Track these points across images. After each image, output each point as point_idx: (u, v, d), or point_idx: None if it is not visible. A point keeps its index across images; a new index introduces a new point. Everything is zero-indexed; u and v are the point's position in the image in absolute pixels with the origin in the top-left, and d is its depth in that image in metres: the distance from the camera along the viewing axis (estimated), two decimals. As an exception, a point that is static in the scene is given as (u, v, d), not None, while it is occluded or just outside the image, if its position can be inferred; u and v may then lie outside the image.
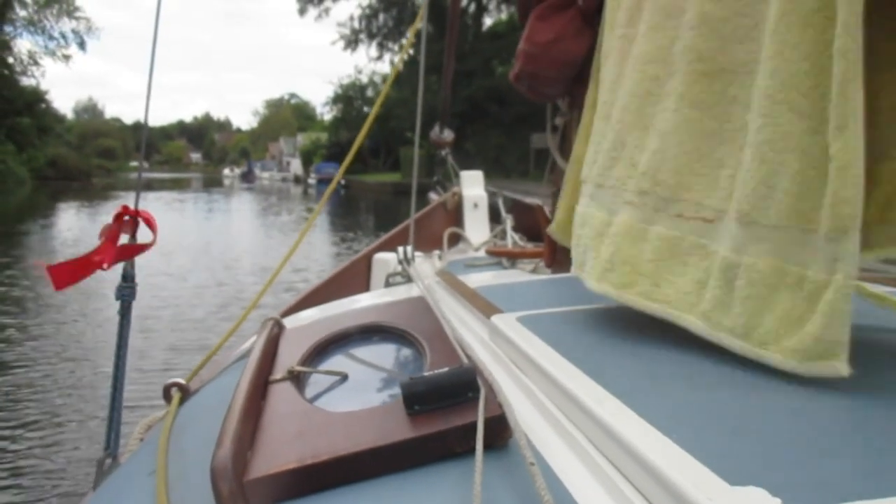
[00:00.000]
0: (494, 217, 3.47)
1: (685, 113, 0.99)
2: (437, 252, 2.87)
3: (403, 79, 46.93)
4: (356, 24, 46.86)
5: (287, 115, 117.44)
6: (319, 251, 15.05)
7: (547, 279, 1.81)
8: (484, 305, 1.33)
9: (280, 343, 1.26)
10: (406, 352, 1.16)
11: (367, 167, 56.66)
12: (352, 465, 0.76)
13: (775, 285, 0.86)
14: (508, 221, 3.02)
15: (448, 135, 3.95)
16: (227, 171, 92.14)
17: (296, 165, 76.18)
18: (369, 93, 58.43)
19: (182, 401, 1.32)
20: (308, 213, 26.25)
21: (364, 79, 59.05)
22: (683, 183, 0.99)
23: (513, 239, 2.89)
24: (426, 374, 0.84)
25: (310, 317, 1.67)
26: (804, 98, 0.82)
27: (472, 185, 3.72)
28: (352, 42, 47.13)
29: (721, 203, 0.95)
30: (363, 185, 48.48)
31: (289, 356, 1.16)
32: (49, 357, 6.76)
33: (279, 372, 1.08)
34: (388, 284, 2.19)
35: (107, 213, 1.78)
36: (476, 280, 1.85)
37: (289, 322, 1.47)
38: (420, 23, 2.06)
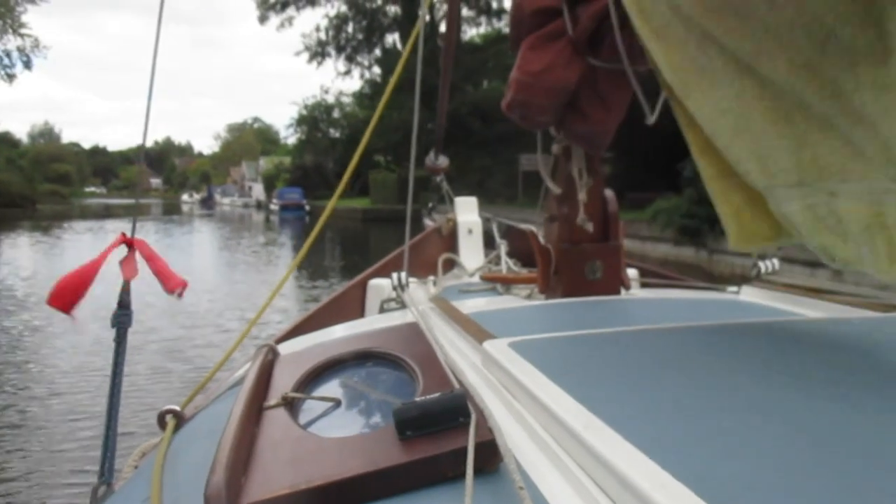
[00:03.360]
0: (489, 243, 3.54)
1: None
2: (431, 278, 2.90)
3: (375, 97, 45.41)
4: (322, 36, 44.25)
5: (250, 139, 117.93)
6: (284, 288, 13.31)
7: (540, 305, 1.92)
8: (476, 331, 1.37)
9: (274, 369, 1.30)
10: (399, 377, 1.19)
11: (334, 192, 54.75)
12: (344, 490, 0.80)
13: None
14: (503, 247, 3.13)
15: (443, 161, 3.95)
16: (185, 197, 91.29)
17: (258, 190, 76.34)
18: (335, 114, 56.80)
19: (177, 427, 1.34)
20: (271, 248, 25.01)
21: (330, 99, 57.31)
22: None
23: (507, 265, 3.00)
24: (418, 399, 0.87)
25: (304, 343, 1.69)
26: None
27: (467, 211, 3.77)
28: (317, 54, 44.33)
29: None
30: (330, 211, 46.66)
31: (283, 382, 1.20)
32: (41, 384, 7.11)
33: (273, 398, 1.12)
34: (382, 310, 2.23)
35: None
36: (470, 306, 1.92)
37: (283, 348, 1.53)
38: (416, 36, 2.12)
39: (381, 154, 46.28)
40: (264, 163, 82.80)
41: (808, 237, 1.20)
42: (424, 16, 2.11)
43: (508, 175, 30.64)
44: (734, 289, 2.09)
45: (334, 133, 57.05)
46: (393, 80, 2.15)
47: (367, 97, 46.40)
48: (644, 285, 2.64)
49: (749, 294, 1.98)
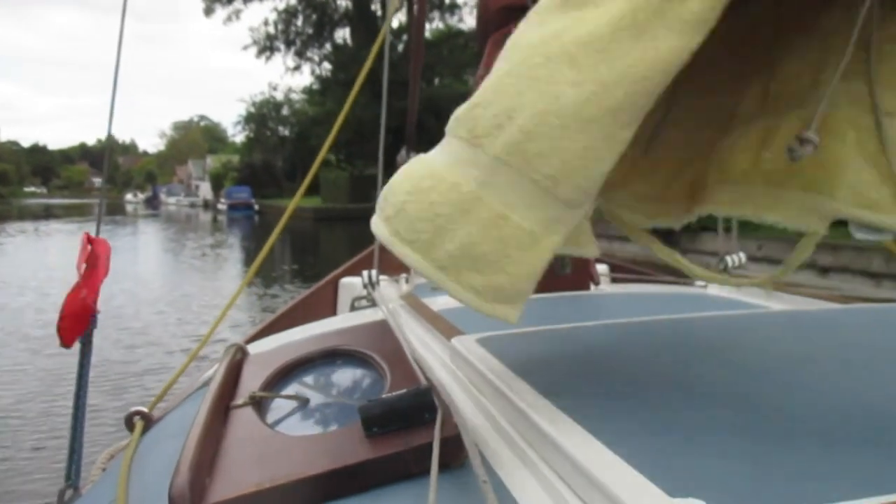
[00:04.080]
0: None
1: None
2: (403, 276, 2.90)
3: (326, 94, 44.80)
4: (271, 30, 42.90)
5: (196, 137, 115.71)
6: (227, 292, 12.71)
7: None
8: (445, 327, 1.38)
9: (243, 369, 1.30)
10: (367, 375, 1.19)
11: (283, 191, 54.71)
12: (310, 488, 0.80)
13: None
14: None
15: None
16: (129, 197, 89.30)
17: (205, 189, 74.73)
18: (284, 111, 56.02)
19: (145, 429, 1.34)
20: (219, 250, 24.58)
21: (279, 96, 56.50)
22: None
23: None
24: (384, 396, 0.89)
25: (274, 342, 1.69)
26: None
27: None
28: (266, 49, 43.00)
29: None
30: (279, 210, 46.27)
31: (251, 382, 1.20)
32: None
33: (241, 397, 1.12)
34: (353, 308, 2.26)
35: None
36: (441, 303, 1.90)
37: (253, 348, 1.51)
38: (383, 36, 2.15)
39: (331, 152, 45.73)
40: (211, 161, 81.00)
41: None
42: (390, 20, 2.15)
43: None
44: (702, 283, 2.14)
45: (283, 131, 56.34)
46: (359, 81, 2.18)
47: (317, 93, 45.69)
48: (614, 280, 2.70)
49: (716, 288, 2.02)
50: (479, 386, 1.06)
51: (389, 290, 2.48)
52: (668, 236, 16.10)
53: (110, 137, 1.79)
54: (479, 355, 1.13)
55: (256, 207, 50.03)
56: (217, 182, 69.32)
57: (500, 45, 1.82)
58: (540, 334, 1.31)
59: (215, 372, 1.27)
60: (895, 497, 0.61)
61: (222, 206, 52.72)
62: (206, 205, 66.84)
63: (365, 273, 2.23)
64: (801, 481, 0.67)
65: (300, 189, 2.19)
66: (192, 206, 70.30)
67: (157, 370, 7.48)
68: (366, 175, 42.56)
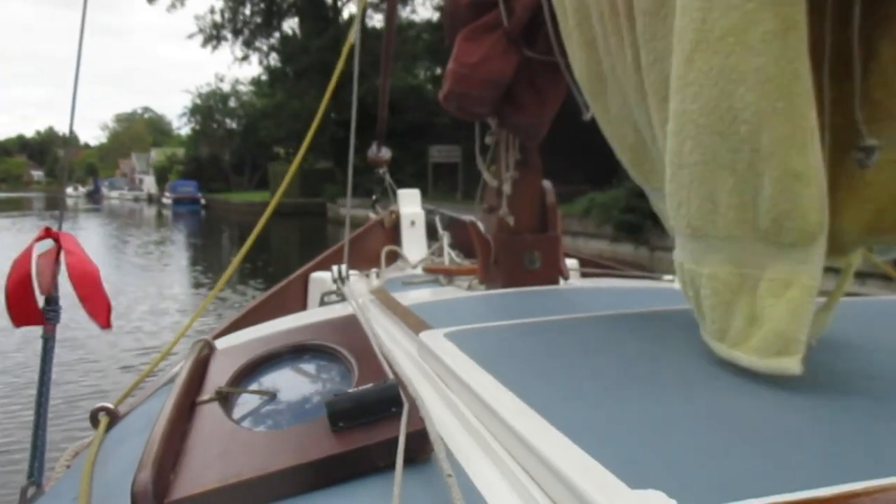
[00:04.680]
0: (433, 235, 3.60)
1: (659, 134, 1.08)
2: (374, 270, 2.95)
3: (275, 85, 44.06)
4: (217, 18, 41.53)
5: (140, 130, 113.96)
6: (177, 292, 12.15)
7: (479, 295, 2.02)
8: (414, 322, 1.40)
9: (210, 364, 1.30)
10: (335, 370, 1.21)
11: (231, 185, 53.92)
12: (274, 483, 0.80)
13: (737, 290, 0.94)
14: (445, 238, 3.18)
15: (385, 153, 4.09)
16: (70, 191, 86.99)
17: (149, 183, 73.69)
18: (232, 103, 55.12)
19: (110, 425, 1.34)
20: (164, 248, 23.54)
21: (226, 87, 55.47)
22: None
23: (450, 256, 3.05)
24: (350, 391, 0.89)
25: (242, 337, 1.70)
26: (720, 120, 0.89)
27: (410, 203, 3.84)
28: (212, 38, 41.59)
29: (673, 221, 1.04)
30: (227, 204, 45.71)
31: (217, 377, 1.20)
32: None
33: (207, 393, 1.12)
34: (323, 303, 2.30)
35: None
36: (411, 297, 1.98)
37: (221, 343, 1.54)
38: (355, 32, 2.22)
39: (281, 145, 45.04)
40: (156, 154, 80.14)
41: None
42: (361, 17, 2.20)
43: (418, 167, 30.29)
44: (670, 277, 2.16)
45: (231, 123, 55.56)
46: (333, 80, 2.19)
47: (266, 85, 44.88)
48: (584, 275, 2.73)
49: None
50: (445, 380, 1.07)
51: (360, 284, 2.45)
52: (635, 232, 15.42)
53: (72, 133, 1.81)
54: (446, 349, 1.14)
55: (203, 202, 49.44)
56: (162, 176, 68.69)
57: (469, 39, 1.85)
58: (507, 328, 1.33)
59: (181, 367, 1.27)
60: (859, 485, 0.63)
61: (167, 201, 51.79)
62: (151, 199, 65.84)
63: (335, 268, 2.19)
64: (762, 472, 0.68)
65: (279, 190, 2.22)
66: (136, 200, 69.34)
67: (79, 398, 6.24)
68: (317, 169, 42.12)
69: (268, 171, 45.30)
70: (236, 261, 2.05)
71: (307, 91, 34.75)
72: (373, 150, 4.06)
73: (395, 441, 0.79)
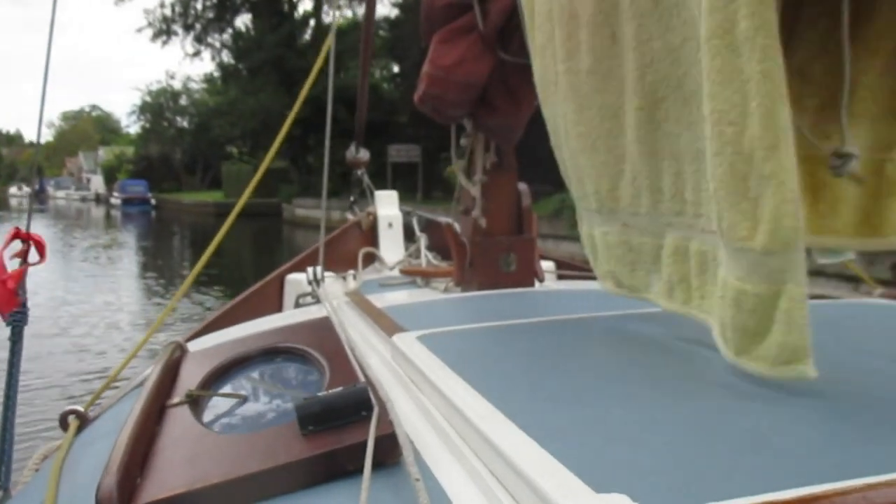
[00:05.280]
0: (410, 236, 3.63)
1: (695, 131, 1.04)
2: (351, 272, 2.95)
3: (228, 82, 43.33)
4: (167, 12, 40.51)
5: (87, 128, 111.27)
6: (128, 301, 11.42)
7: (455, 297, 2.05)
8: (388, 325, 1.40)
9: (181, 367, 1.30)
10: (307, 373, 1.21)
11: (182, 185, 53.04)
12: (242, 487, 0.80)
13: (735, 302, 0.94)
14: (422, 240, 3.20)
15: (364, 154, 4.09)
16: (14, 190, 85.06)
17: (97, 183, 72.34)
18: (183, 101, 54.15)
19: (80, 429, 1.35)
20: (112, 251, 22.87)
21: (177, 84, 54.48)
22: (701, 199, 1.05)
23: (427, 258, 3.07)
24: (320, 394, 0.90)
25: (215, 340, 1.71)
26: (731, 125, 0.87)
27: (387, 205, 3.85)
28: (162, 32, 40.65)
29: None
30: (178, 205, 44.94)
31: (188, 380, 1.21)
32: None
33: (177, 396, 1.12)
34: (297, 305, 2.36)
35: None
36: (387, 300, 2.00)
37: (193, 346, 1.53)
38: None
39: (235, 144, 44.35)
40: (104, 153, 78.68)
41: (600, 262, 1.34)
42: (336, 22, 2.29)
43: (377, 166, 29.71)
44: None
45: (182, 122, 54.66)
46: (309, 81, 2.19)
47: (219, 81, 44.14)
48: (561, 277, 2.75)
49: None
50: (417, 383, 1.08)
51: (335, 286, 2.46)
52: None
53: (39, 135, 1.83)
54: (418, 352, 1.14)
55: (153, 202, 48.62)
56: (110, 175, 67.55)
57: (445, 41, 1.87)
58: (480, 331, 1.34)
59: (152, 370, 1.27)
60: (820, 487, 0.64)
61: (116, 201, 51.06)
62: (99, 199, 64.73)
63: (310, 269, 2.23)
64: (727, 475, 0.69)
65: (251, 184, 2.23)
66: (84, 200, 68.02)
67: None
68: (271, 168, 41.36)
69: (221, 170, 44.66)
70: (196, 269, 2.01)
71: (262, 88, 34.34)
72: (351, 152, 4.09)
73: (364, 445, 0.80)
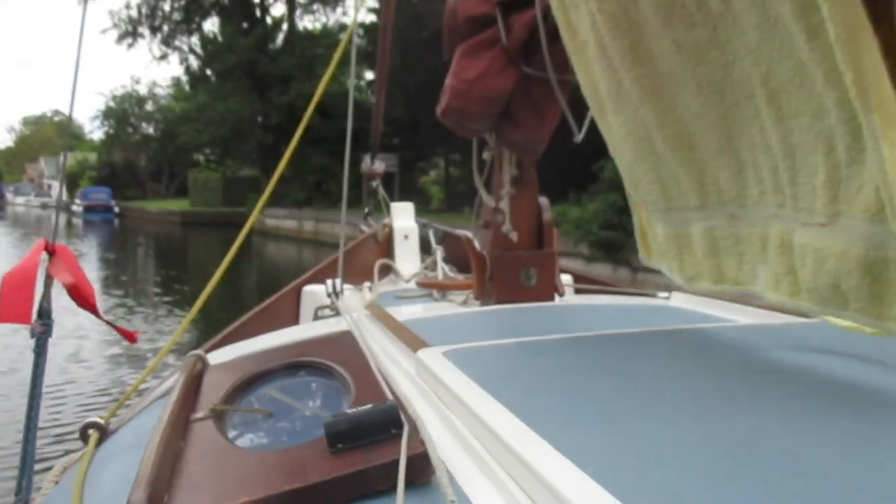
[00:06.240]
0: (425, 249, 3.65)
1: (784, 127, 1.05)
2: (367, 284, 2.98)
3: (197, 87, 42.83)
4: (133, 13, 39.84)
5: (49, 133, 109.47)
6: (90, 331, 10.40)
7: (475, 311, 2.02)
8: (411, 339, 1.40)
9: (203, 380, 1.31)
10: (331, 388, 1.21)
11: (147, 192, 52.46)
12: None
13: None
14: (439, 253, 3.19)
15: (379, 165, 4.19)
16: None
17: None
18: (149, 106, 53.47)
19: (100, 441, 1.35)
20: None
21: (142, 89, 53.77)
22: (798, 193, 1.07)
23: (443, 270, 3.06)
24: (349, 411, 0.90)
25: (235, 352, 1.71)
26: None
27: (403, 217, 3.87)
28: (128, 34, 39.92)
29: (829, 208, 1.01)
30: (143, 213, 44.38)
31: (211, 393, 1.21)
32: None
33: (201, 410, 1.13)
34: (316, 317, 2.32)
35: None
36: (406, 313, 2.01)
37: (213, 357, 1.54)
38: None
39: (202, 151, 43.76)
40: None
41: (692, 262, 1.35)
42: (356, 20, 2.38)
43: (352, 177, 29.23)
44: (665, 294, 2.20)
45: (147, 128, 54.00)
46: (320, 89, 2.22)
47: (188, 86, 43.55)
48: (578, 291, 2.77)
49: (680, 300, 2.06)
50: (445, 400, 1.07)
51: (353, 299, 2.46)
52: (614, 251, 14.76)
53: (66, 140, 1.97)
54: (445, 369, 1.14)
55: (117, 210, 48.01)
56: (72, 182, 66.22)
57: (468, 55, 1.90)
58: (506, 347, 1.34)
59: (175, 383, 1.28)
60: None
61: (77, 208, 50.02)
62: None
63: (329, 282, 2.24)
64: (767, 499, 0.69)
65: (261, 199, 2.22)
66: (44, 207, 66.68)
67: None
68: (239, 177, 40.96)
69: (187, 178, 44.05)
70: (210, 286, 1.88)
71: (232, 93, 34.08)
72: (366, 163, 4.19)
73: (395, 464, 0.80)
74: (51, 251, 1.62)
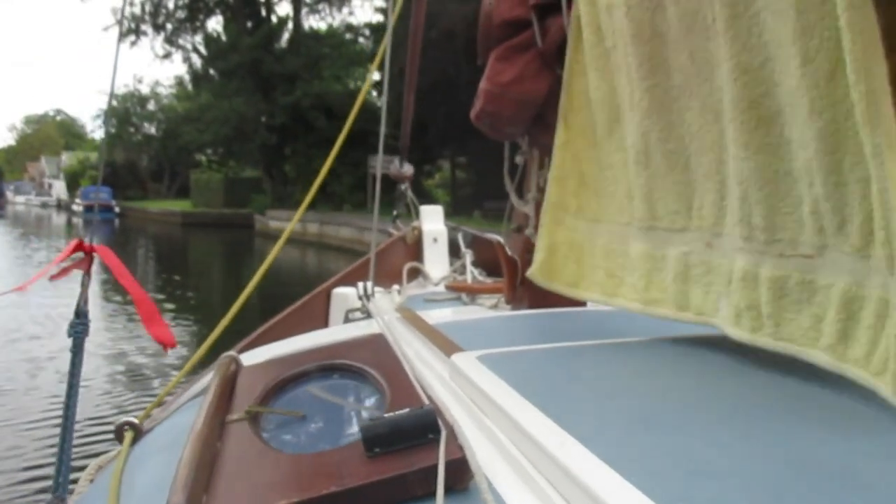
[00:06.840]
0: (454, 252, 3.67)
1: (757, 159, 1.09)
2: (396, 287, 2.99)
3: (200, 86, 42.74)
4: (136, 10, 39.23)
5: (51, 132, 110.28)
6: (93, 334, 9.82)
7: (507, 316, 2.04)
8: (444, 343, 1.41)
9: (237, 381, 1.32)
10: (365, 391, 1.21)
11: (148, 192, 52.42)
12: None
13: (883, 314, 0.92)
14: (468, 256, 3.20)
15: (407, 169, 4.24)
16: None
17: (59, 188, 71.83)
18: (151, 106, 53.50)
19: (135, 440, 1.37)
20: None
21: (145, 89, 53.74)
22: (777, 224, 1.08)
23: (472, 274, 3.08)
24: (386, 415, 0.90)
25: (267, 353, 1.72)
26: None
27: (432, 220, 3.89)
28: (131, 31, 39.21)
29: (816, 239, 1.03)
30: (144, 214, 44.39)
31: (246, 395, 1.22)
32: None
33: (236, 412, 1.14)
34: (347, 320, 2.34)
35: None
36: (436, 316, 1.98)
37: (246, 358, 1.54)
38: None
39: (205, 151, 43.68)
40: (67, 158, 78.20)
41: (661, 285, 1.36)
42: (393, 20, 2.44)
43: (356, 178, 29.44)
44: None
45: (149, 128, 54.01)
46: (365, 87, 2.52)
47: (191, 85, 43.48)
48: None
49: None
50: (481, 405, 1.07)
51: (383, 301, 2.47)
52: None
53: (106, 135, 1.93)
54: (480, 373, 1.14)
55: (117, 210, 48.03)
56: (73, 181, 66.79)
57: (502, 59, 1.91)
58: (541, 352, 1.34)
59: (209, 383, 1.29)
60: None
61: (78, 208, 50.25)
62: (60, 206, 64.06)
63: (360, 284, 2.28)
64: None
65: (303, 204, 2.33)
66: (44, 206, 67.38)
67: None
68: (242, 177, 40.85)
69: (189, 178, 43.98)
70: (247, 290, 2.00)
71: (236, 93, 34.13)
72: (395, 166, 4.25)
73: (433, 469, 0.80)
74: (87, 251, 1.67)
